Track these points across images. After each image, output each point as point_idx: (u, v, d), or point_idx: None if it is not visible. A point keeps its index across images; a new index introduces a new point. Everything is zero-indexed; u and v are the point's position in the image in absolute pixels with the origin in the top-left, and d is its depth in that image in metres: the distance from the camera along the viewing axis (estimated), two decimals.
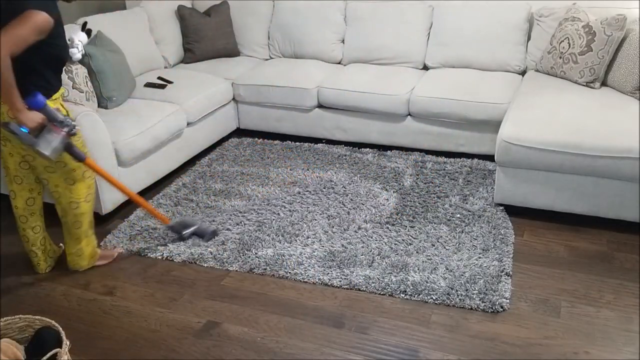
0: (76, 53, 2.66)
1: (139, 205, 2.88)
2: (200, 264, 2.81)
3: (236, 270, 2.75)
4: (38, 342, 2.06)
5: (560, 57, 3.52)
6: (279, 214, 3.17)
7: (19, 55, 2.18)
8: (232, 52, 4.56)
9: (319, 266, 2.72)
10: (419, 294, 2.50)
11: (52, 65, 2.40)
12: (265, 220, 3.11)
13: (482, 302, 2.43)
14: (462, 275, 2.60)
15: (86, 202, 2.64)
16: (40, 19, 2.18)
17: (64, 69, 3.13)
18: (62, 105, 2.49)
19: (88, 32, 2.72)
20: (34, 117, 2.29)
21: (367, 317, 2.41)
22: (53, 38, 2.29)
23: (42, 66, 2.34)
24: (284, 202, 3.29)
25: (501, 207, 3.13)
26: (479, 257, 2.72)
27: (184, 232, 2.93)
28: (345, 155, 3.86)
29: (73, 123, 2.39)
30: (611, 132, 2.80)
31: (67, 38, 2.65)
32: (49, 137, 2.31)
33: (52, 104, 2.38)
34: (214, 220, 3.12)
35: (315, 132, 4.08)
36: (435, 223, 3.02)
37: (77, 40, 2.67)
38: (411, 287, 2.54)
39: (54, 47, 2.33)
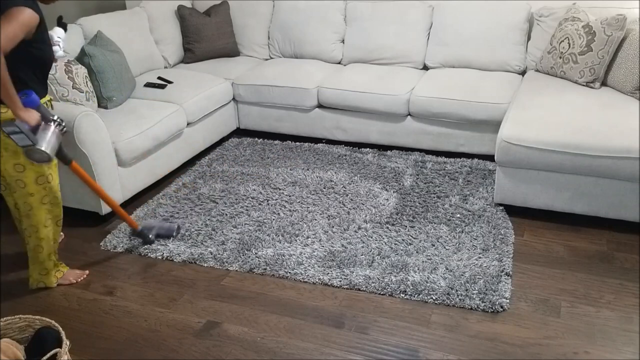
0: (58, 50, 2.57)
1: (112, 208, 2.85)
2: (200, 264, 2.81)
3: (236, 270, 2.75)
4: (38, 342, 2.05)
5: (560, 57, 3.52)
6: (279, 213, 3.17)
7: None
8: (232, 52, 4.56)
9: (319, 266, 2.72)
10: (419, 294, 2.50)
11: (37, 71, 2.34)
12: (265, 220, 3.11)
13: (482, 302, 2.43)
14: (462, 275, 2.60)
15: (45, 227, 2.53)
16: (27, 14, 2.16)
17: (63, 68, 3.15)
18: None
19: (64, 26, 2.65)
20: (34, 115, 2.26)
21: (367, 317, 2.41)
22: (37, 42, 2.25)
23: (25, 72, 2.28)
24: (284, 202, 3.29)
25: (501, 207, 3.13)
26: (479, 257, 2.72)
27: (150, 236, 2.95)
28: (345, 155, 3.86)
29: (60, 120, 2.35)
30: (611, 132, 2.80)
31: (50, 35, 2.53)
32: (45, 135, 2.27)
33: None
34: (213, 219, 3.13)
35: (315, 132, 4.08)
36: (435, 223, 3.02)
37: (57, 37, 2.59)
38: (411, 287, 2.54)
39: (38, 50, 2.27)
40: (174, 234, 3.00)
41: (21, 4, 2.16)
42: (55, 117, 2.33)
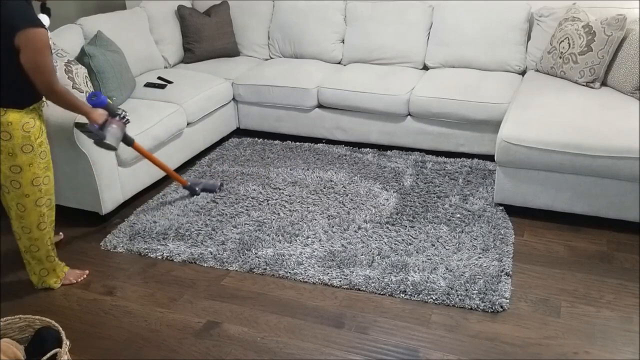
0: None
1: (172, 177, 3.34)
2: (200, 264, 2.81)
3: (236, 270, 2.75)
4: (38, 342, 2.06)
5: (560, 57, 3.52)
6: (279, 213, 3.17)
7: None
8: (232, 52, 4.56)
9: (319, 266, 2.72)
10: (419, 294, 2.50)
11: None
12: (265, 220, 3.11)
13: (482, 302, 2.43)
14: (462, 275, 2.60)
15: (39, 230, 2.52)
16: (43, 35, 2.20)
17: (63, 68, 3.15)
18: (39, 115, 2.40)
19: (47, 12, 2.64)
20: (102, 114, 2.60)
21: (367, 317, 2.41)
22: None
23: (23, 77, 2.24)
24: (284, 202, 3.29)
25: (501, 207, 3.13)
26: (479, 257, 2.72)
27: (196, 189, 3.38)
28: (345, 155, 3.86)
29: (125, 112, 2.72)
30: (611, 132, 2.80)
31: None
32: (111, 129, 2.65)
33: (30, 114, 2.33)
34: (213, 219, 3.13)
35: (315, 132, 4.08)
36: (435, 223, 3.02)
37: None
38: (411, 287, 2.54)
39: None
40: (217, 190, 3.40)
41: (32, 23, 2.17)
42: (120, 112, 2.71)
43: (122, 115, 2.72)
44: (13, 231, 2.55)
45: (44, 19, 2.55)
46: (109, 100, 2.67)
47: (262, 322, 2.42)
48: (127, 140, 2.87)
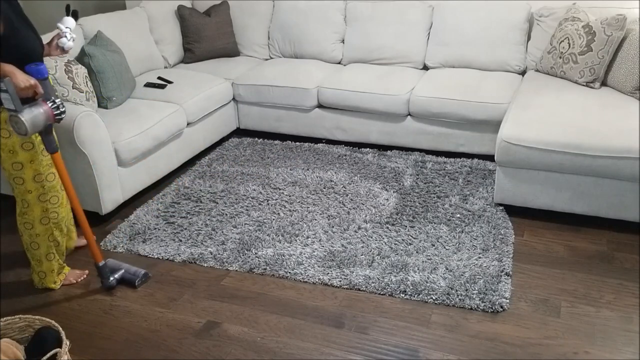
0: (66, 42, 2.44)
1: (83, 232, 2.61)
2: (200, 264, 2.81)
3: (236, 270, 2.75)
4: (38, 342, 2.06)
5: (560, 57, 3.52)
6: (279, 213, 3.17)
7: None
8: (232, 52, 4.56)
9: (319, 266, 2.72)
10: (419, 294, 2.50)
11: (18, 64, 2.22)
12: (265, 220, 3.11)
13: (482, 302, 2.43)
14: (462, 275, 2.60)
15: (42, 225, 2.53)
16: None
17: (63, 68, 3.15)
18: None
19: (74, 14, 2.56)
20: (28, 78, 2.19)
21: (367, 317, 2.41)
22: (6, 38, 2.17)
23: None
24: (284, 202, 3.29)
25: (501, 207, 3.13)
26: (479, 257, 2.72)
27: (110, 279, 2.65)
28: (345, 155, 3.86)
29: (64, 109, 2.32)
30: (611, 132, 2.80)
31: (58, 27, 2.47)
32: (35, 109, 2.22)
33: None
34: (212, 220, 3.13)
35: (315, 132, 4.08)
36: (435, 223, 3.02)
37: (65, 28, 2.45)
38: (411, 287, 2.54)
39: (10, 47, 2.20)
40: (138, 281, 2.67)
41: None
42: (56, 100, 2.28)
43: (55, 105, 2.28)
44: (17, 228, 2.57)
45: (69, 22, 2.50)
46: (50, 78, 2.29)
47: (262, 322, 2.42)
48: (48, 142, 2.36)
